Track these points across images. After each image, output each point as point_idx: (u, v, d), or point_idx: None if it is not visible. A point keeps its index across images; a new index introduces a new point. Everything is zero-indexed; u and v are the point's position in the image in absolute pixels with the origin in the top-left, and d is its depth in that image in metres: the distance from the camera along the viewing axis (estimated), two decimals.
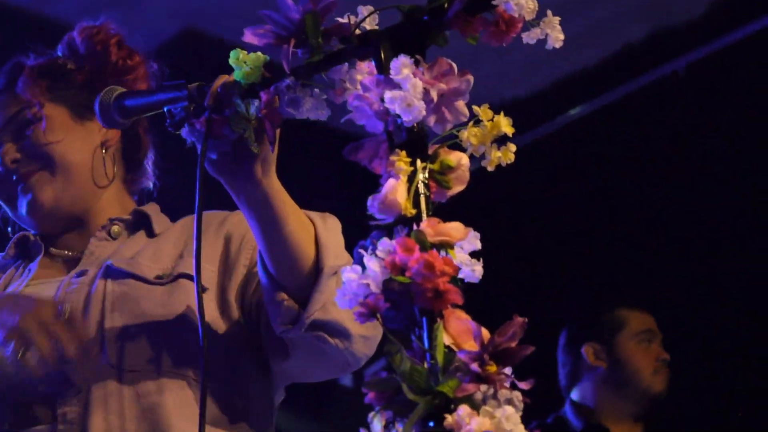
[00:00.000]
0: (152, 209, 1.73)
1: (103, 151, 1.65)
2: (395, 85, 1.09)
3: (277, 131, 1.30)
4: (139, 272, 1.53)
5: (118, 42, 1.67)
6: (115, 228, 1.65)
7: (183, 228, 1.64)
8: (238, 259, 1.56)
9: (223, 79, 1.29)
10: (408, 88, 1.08)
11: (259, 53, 1.25)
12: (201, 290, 1.31)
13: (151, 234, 1.65)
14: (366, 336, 1.43)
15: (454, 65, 1.15)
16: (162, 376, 1.47)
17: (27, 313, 1.38)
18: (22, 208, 1.60)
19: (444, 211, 1.14)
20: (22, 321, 1.36)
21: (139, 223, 1.68)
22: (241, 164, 1.37)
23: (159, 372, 1.47)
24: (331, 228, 1.48)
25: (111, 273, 1.53)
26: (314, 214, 1.46)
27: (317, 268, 1.40)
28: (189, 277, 1.49)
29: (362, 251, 1.04)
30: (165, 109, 1.34)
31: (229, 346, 1.50)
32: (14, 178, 1.60)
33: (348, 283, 1.02)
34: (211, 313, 1.49)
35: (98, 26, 1.69)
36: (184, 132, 1.34)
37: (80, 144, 1.63)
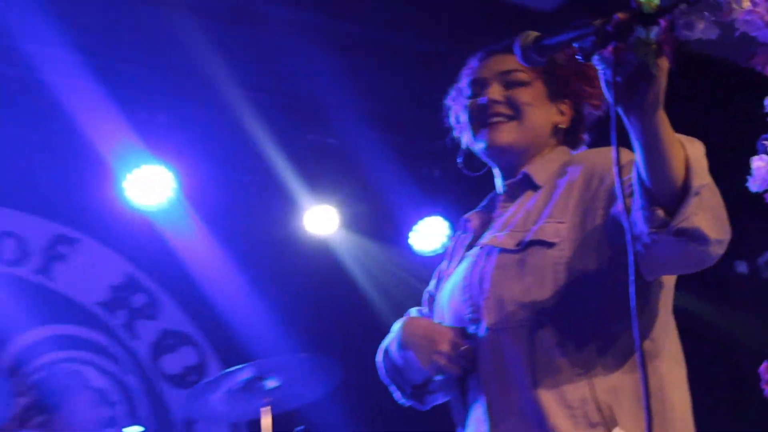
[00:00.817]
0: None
1: (553, 128, 2.04)
2: None
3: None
4: (505, 246, 1.89)
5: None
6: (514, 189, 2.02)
7: (569, 182, 1.92)
8: (598, 197, 1.85)
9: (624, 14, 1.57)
10: None
11: None
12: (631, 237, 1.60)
13: (534, 187, 1.97)
14: (720, 240, 1.74)
15: None
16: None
17: (432, 348, 1.87)
18: (483, 136, 1.97)
19: None
20: (436, 357, 1.85)
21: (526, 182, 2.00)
22: (638, 92, 1.61)
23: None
24: (697, 152, 1.72)
25: (489, 250, 1.91)
26: (684, 138, 1.69)
27: (685, 186, 1.68)
28: (540, 243, 1.85)
29: (765, 143, 1.60)
30: (575, 45, 1.59)
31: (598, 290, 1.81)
32: (488, 111, 2.00)
33: (757, 170, 1.62)
34: (567, 264, 1.83)
35: None
36: (594, 60, 1.57)
37: (543, 115, 2.00)
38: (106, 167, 4.80)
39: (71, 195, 4.96)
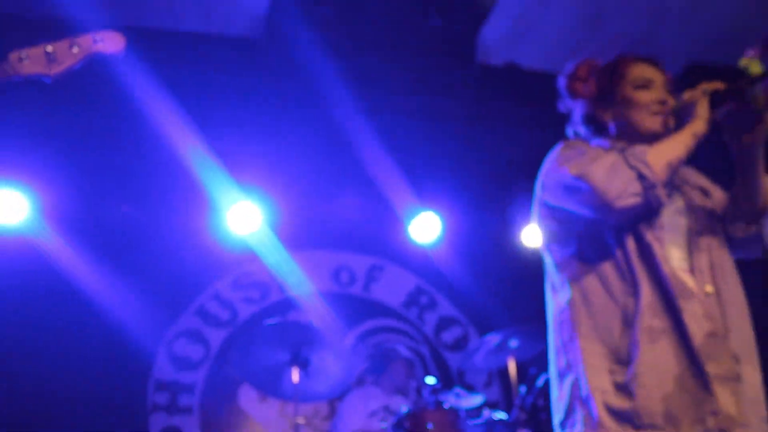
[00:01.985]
0: None
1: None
2: None
3: None
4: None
5: None
6: None
7: None
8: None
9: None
10: None
11: (756, 60, 2.00)
12: None
13: None
14: None
15: None
16: None
17: None
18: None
19: None
20: None
21: None
22: (750, 133, 2.14)
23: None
24: None
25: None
26: None
27: (765, 206, 2.25)
28: None
29: None
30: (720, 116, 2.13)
31: None
32: (664, 113, 2.24)
33: None
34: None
35: None
36: (719, 115, 2.10)
37: None
38: (395, 213, 6.00)
39: (379, 235, 6.35)
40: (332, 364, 4.79)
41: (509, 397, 4.98)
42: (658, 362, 2.03)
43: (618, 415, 2.02)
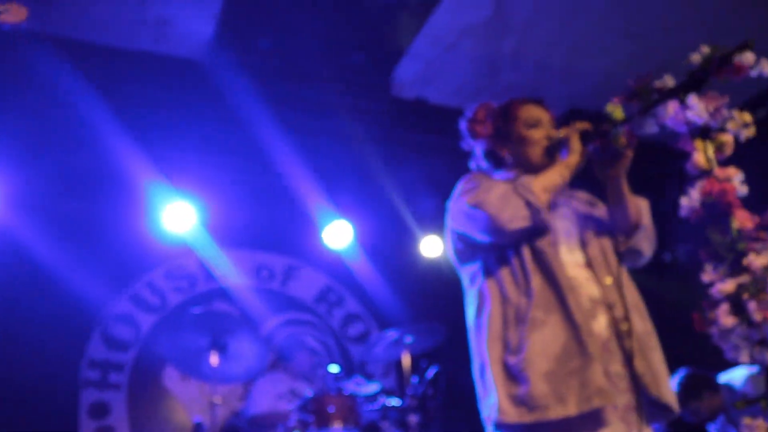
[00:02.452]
0: None
1: None
2: (690, 108, 1.98)
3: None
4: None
5: None
6: None
7: None
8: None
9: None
10: (696, 108, 1.97)
11: (619, 106, 2.19)
12: None
13: None
14: (647, 257, 2.45)
15: (717, 93, 1.99)
16: None
17: None
18: None
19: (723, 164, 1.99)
20: None
21: None
22: (614, 166, 2.31)
23: None
24: (645, 204, 2.44)
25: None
26: (639, 197, 2.43)
27: (639, 223, 2.40)
28: None
29: (689, 188, 1.95)
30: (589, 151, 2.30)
31: None
32: (552, 147, 2.41)
33: (684, 206, 1.96)
34: None
35: None
36: (590, 148, 2.25)
37: None
38: (311, 221, 6.20)
39: (297, 239, 6.53)
40: (248, 349, 4.97)
41: (403, 387, 5.15)
42: (545, 348, 2.11)
43: (515, 399, 2.10)
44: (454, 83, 5.46)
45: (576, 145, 2.30)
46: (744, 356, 1.80)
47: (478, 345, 2.26)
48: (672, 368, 4.67)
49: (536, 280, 2.20)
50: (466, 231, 2.36)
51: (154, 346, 5.88)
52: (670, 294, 5.87)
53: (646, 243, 2.42)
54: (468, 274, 2.42)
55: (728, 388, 4.78)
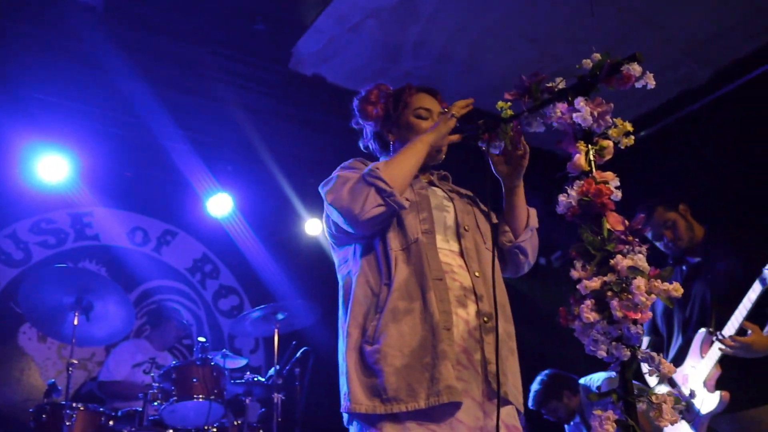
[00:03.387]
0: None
1: None
2: (577, 110, 2.02)
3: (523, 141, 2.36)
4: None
5: None
6: None
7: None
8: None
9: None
10: (583, 111, 2.02)
11: (509, 103, 2.25)
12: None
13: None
14: (531, 263, 2.54)
15: (603, 100, 2.04)
16: None
17: None
18: None
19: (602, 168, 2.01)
20: None
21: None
22: (509, 165, 2.41)
23: None
24: (533, 211, 2.55)
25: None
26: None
27: (528, 224, 2.50)
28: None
29: (566, 187, 1.97)
30: (467, 134, 2.35)
31: None
32: None
33: (561, 202, 2.01)
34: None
35: None
36: (479, 143, 2.31)
37: None
38: (194, 189, 6.18)
39: (176, 205, 6.48)
40: (113, 313, 4.88)
41: (271, 364, 5.15)
42: (401, 340, 2.13)
43: (369, 390, 2.12)
44: (353, 64, 5.46)
45: (442, 127, 2.35)
46: (602, 351, 1.89)
47: (342, 331, 2.27)
48: (540, 368, 4.93)
49: (401, 270, 2.22)
50: (333, 222, 2.38)
51: (12, 303, 5.67)
52: (542, 296, 6.52)
53: (530, 246, 2.50)
54: (340, 258, 2.43)
55: (587, 389, 4.99)
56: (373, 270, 2.27)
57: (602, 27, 5.20)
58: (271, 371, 5.02)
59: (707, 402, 3.46)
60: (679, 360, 3.67)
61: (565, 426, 5.39)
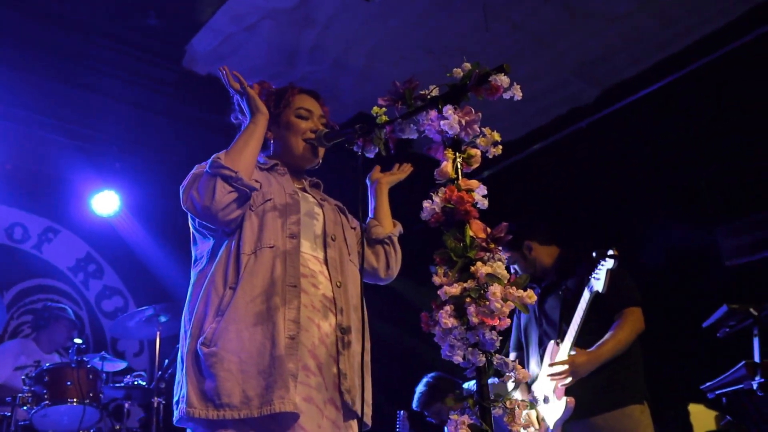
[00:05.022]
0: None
1: None
2: (445, 118, 2.05)
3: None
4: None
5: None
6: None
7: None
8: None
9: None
10: (450, 119, 2.04)
11: (384, 109, 2.24)
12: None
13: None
14: (391, 273, 2.61)
15: (473, 109, 2.06)
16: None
17: None
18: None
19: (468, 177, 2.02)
20: None
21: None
22: (383, 172, 2.56)
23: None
24: (398, 224, 2.66)
25: None
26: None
27: (390, 234, 2.62)
28: None
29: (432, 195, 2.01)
30: (344, 137, 2.36)
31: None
32: (313, 141, 2.55)
33: (425, 208, 2.01)
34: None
35: None
36: (355, 147, 2.30)
37: None
38: (77, 185, 6.08)
39: (59, 202, 6.29)
40: None
41: (154, 367, 5.13)
42: (239, 345, 2.09)
43: (203, 394, 2.07)
44: (248, 65, 5.40)
45: (256, 103, 2.35)
46: (458, 356, 1.91)
47: (184, 331, 2.22)
48: (424, 371, 4.87)
49: (249, 274, 2.19)
50: (193, 217, 2.36)
51: None
52: (427, 300, 6.53)
53: (397, 249, 2.58)
54: (196, 254, 2.39)
55: (471, 393, 5.09)
56: (221, 272, 2.21)
57: (496, 43, 5.32)
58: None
59: (556, 409, 3.56)
60: (535, 371, 3.81)
61: (445, 429, 5.45)
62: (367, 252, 2.56)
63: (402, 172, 2.71)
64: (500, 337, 1.91)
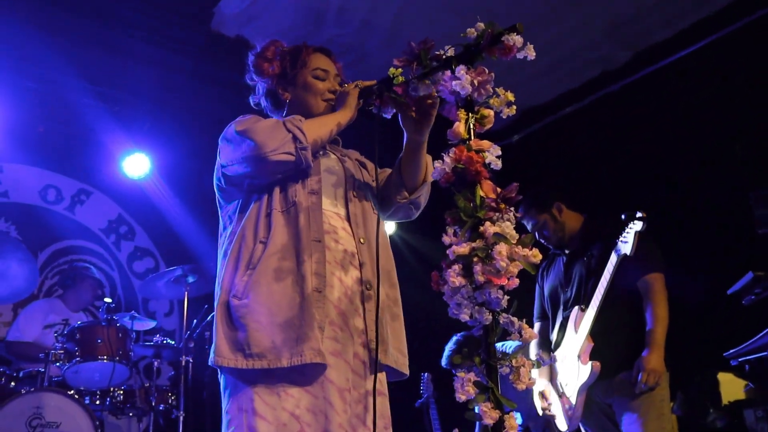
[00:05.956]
0: None
1: None
2: (458, 79, 2.04)
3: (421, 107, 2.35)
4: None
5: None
6: None
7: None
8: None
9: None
10: (463, 79, 2.02)
11: (400, 70, 2.24)
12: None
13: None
14: (421, 210, 2.57)
15: (486, 69, 2.05)
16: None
17: None
18: None
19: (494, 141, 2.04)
20: None
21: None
22: (417, 116, 2.36)
23: None
24: (429, 160, 2.49)
25: None
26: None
27: (424, 179, 2.51)
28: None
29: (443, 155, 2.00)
30: (362, 98, 2.39)
31: None
32: (332, 101, 2.52)
33: (436, 168, 2.01)
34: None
35: None
36: (373, 108, 2.35)
37: None
38: (107, 144, 6.13)
39: (92, 164, 6.41)
40: (17, 270, 4.78)
41: (183, 327, 5.15)
42: (270, 298, 2.12)
43: (233, 344, 2.12)
44: (275, 27, 5.39)
45: (352, 101, 2.37)
46: (465, 315, 1.94)
47: (221, 287, 2.25)
48: (447, 332, 4.94)
49: (279, 230, 2.22)
50: (229, 161, 2.31)
51: None
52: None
53: (424, 199, 2.54)
54: (224, 216, 2.40)
55: (502, 353, 5.14)
56: (251, 228, 2.25)
57: (526, 3, 5.23)
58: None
59: (582, 374, 3.62)
60: (560, 336, 3.85)
61: None
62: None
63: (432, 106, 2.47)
64: (506, 297, 1.92)
